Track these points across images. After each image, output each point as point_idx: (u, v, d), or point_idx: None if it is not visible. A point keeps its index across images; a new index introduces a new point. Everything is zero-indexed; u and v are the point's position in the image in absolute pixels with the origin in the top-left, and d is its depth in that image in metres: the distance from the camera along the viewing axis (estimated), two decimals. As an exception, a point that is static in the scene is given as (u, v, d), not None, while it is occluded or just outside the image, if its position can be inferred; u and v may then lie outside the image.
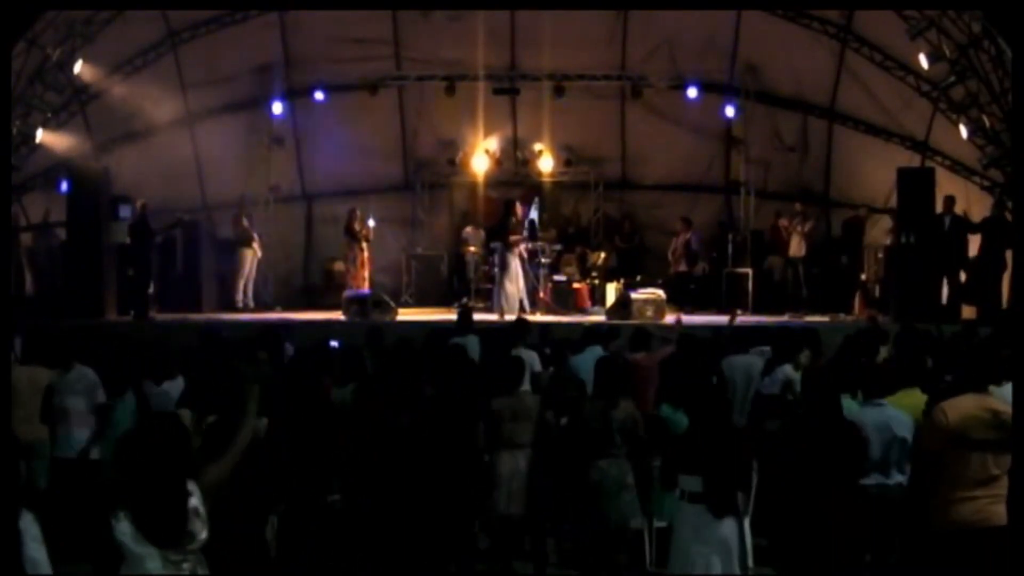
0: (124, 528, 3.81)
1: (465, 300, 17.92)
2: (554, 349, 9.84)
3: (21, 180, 16.29)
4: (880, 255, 17.13)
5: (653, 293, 15.50)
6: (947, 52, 14.77)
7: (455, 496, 6.81)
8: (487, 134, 19.06)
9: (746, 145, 18.58)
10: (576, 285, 17.42)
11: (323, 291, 18.81)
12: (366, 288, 16.92)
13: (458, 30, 17.80)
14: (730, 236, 18.37)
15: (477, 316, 12.63)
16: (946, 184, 15.93)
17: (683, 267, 18.16)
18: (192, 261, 17.81)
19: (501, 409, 7.20)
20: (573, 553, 7.43)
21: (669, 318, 14.42)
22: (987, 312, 14.32)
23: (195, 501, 3.96)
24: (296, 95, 18.82)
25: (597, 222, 19.99)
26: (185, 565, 3.91)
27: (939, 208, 15.37)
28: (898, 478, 6.30)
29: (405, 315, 15.95)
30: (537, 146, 19.18)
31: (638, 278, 17.77)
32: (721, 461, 5.66)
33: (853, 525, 5.63)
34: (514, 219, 16.26)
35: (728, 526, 5.64)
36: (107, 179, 16.18)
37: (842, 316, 16.19)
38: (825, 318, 15.67)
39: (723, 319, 13.47)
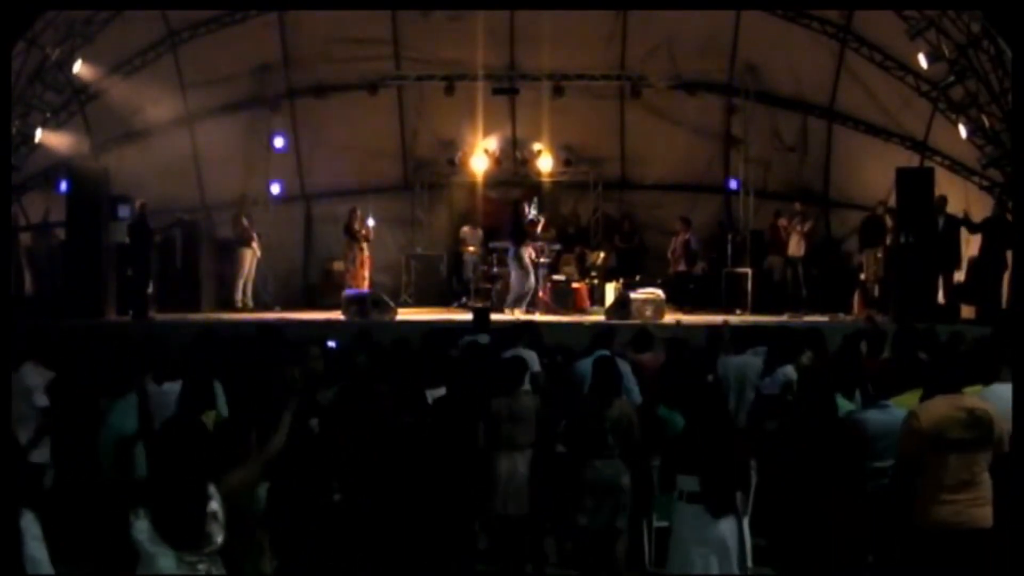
0: (142, 527, 3.85)
1: (464, 300, 17.93)
2: (565, 357, 9.69)
3: (21, 180, 16.26)
4: (879, 255, 17.11)
5: (652, 293, 15.50)
6: (946, 52, 14.77)
7: (455, 496, 6.81)
8: (486, 134, 19.05)
9: (746, 145, 18.60)
10: (575, 285, 17.41)
11: (322, 291, 18.77)
12: (366, 288, 16.93)
13: (458, 30, 17.79)
14: (729, 236, 18.39)
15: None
16: (945, 184, 15.93)
17: (682, 267, 18.14)
18: (191, 261, 17.78)
19: (500, 409, 7.20)
20: (573, 553, 7.44)
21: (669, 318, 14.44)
22: (986, 312, 14.34)
23: (215, 505, 3.99)
24: (296, 95, 18.83)
25: (596, 222, 19.99)
26: (200, 566, 3.94)
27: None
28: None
29: (404, 315, 15.96)
30: (536, 146, 19.17)
31: (637, 278, 17.75)
32: (718, 461, 5.67)
33: (853, 525, 5.63)
34: (525, 218, 16.34)
35: (727, 526, 5.65)
36: (106, 179, 16.14)
37: (841, 316, 16.20)
38: (824, 318, 15.67)
39: (721, 319, 13.47)
